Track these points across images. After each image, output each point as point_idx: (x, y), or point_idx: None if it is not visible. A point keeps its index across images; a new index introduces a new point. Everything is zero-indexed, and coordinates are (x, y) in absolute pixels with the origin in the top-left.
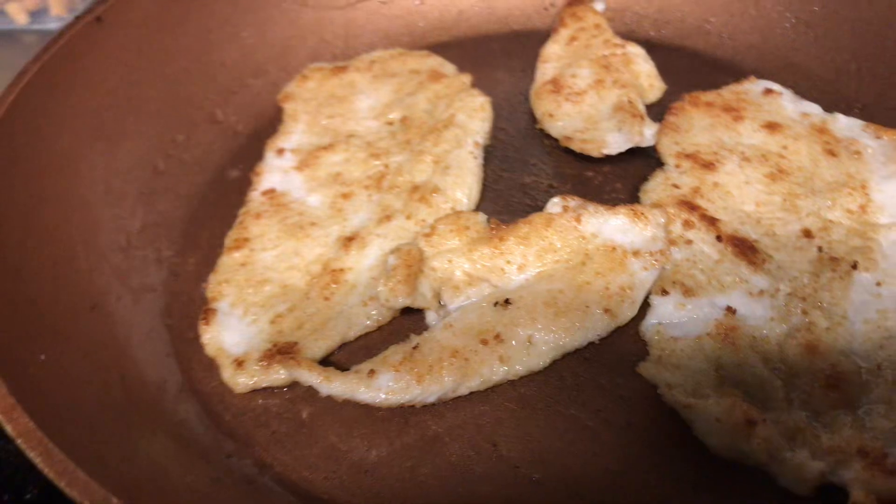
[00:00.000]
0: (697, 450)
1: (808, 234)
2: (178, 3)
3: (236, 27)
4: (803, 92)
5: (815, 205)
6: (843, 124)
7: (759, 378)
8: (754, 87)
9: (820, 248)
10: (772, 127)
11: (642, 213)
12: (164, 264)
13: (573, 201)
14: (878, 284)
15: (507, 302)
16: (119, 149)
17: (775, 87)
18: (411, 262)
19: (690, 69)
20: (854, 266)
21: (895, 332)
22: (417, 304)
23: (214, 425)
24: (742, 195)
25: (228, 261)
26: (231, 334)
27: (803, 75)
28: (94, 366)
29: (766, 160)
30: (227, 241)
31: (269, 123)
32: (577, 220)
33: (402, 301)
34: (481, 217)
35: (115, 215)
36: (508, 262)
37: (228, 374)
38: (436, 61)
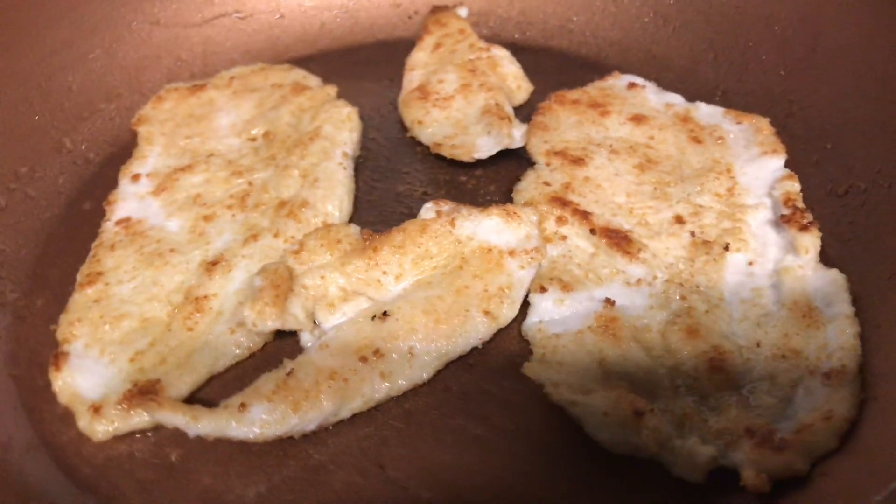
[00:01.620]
0: (590, 448)
1: (679, 220)
2: (14, 25)
3: (83, 49)
4: (666, 83)
5: (684, 191)
6: (705, 112)
7: (643, 368)
8: (618, 81)
9: (692, 233)
10: (637, 119)
11: (514, 213)
12: (7, 308)
13: (446, 206)
14: (751, 264)
15: (384, 314)
16: None
17: (638, 80)
18: (279, 282)
19: (557, 69)
20: (726, 248)
21: (770, 308)
22: (289, 325)
23: (71, 482)
24: (613, 187)
25: (80, 298)
26: (86, 378)
27: (665, 67)
28: None
29: (634, 151)
30: (79, 277)
31: (125, 150)
32: (452, 224)
33: (271, 325)
34: (353, 229)
35: None
36: (385, 272)
37: (85, 422)
38: (298, 74)
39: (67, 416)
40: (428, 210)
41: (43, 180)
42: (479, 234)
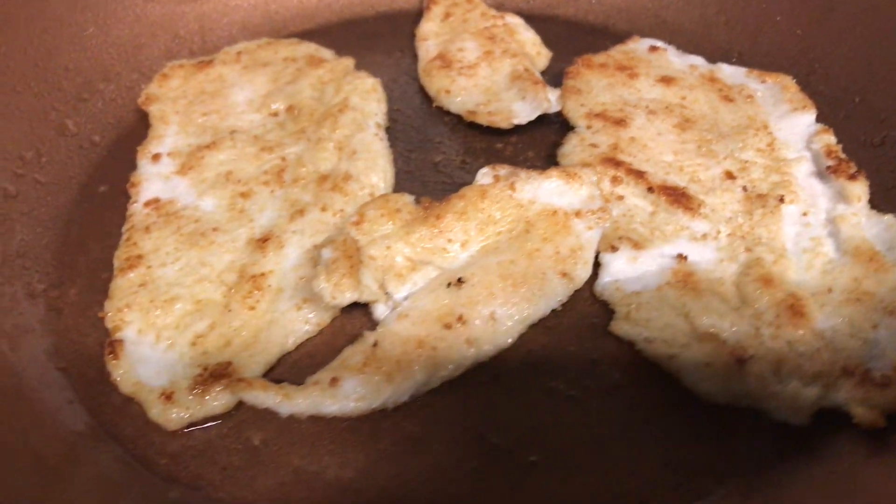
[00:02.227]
0: (687, 399)
1: (730, 175)
2: (5, 1)
3: (77, 26)
4: (679, 48)
5: (727, 148)
6: (729, 72)
7: (727, 319)
8: (639, 45)
9: (745, 188)
10: (667, 80)
11: (574, 174)
12: (38, 300)
13: (503, 170)
14: (805, 214)
15: (460, 281)
16: None
17: (659, 43)
18: (351, 253)
19: (567, 36)
20: (781, 200)
21: (832, 256)
22: (365, 297)
23: (150, 473)
24: (659, 146)
25: (124, 283)
26: (146, 366)
27: (676, 32)
28: None
29: (670, 112)
30: (117, 262)
31: (131, 131)
32: (512, 188)
33: (349, 296)
34: (409, 198)
35: None
36: (450, 240)
37: (157, 411)
38: (310, 47)
39: (129, 407)
40: (485, 175)
41: (51, 165)
42: (541, 197)
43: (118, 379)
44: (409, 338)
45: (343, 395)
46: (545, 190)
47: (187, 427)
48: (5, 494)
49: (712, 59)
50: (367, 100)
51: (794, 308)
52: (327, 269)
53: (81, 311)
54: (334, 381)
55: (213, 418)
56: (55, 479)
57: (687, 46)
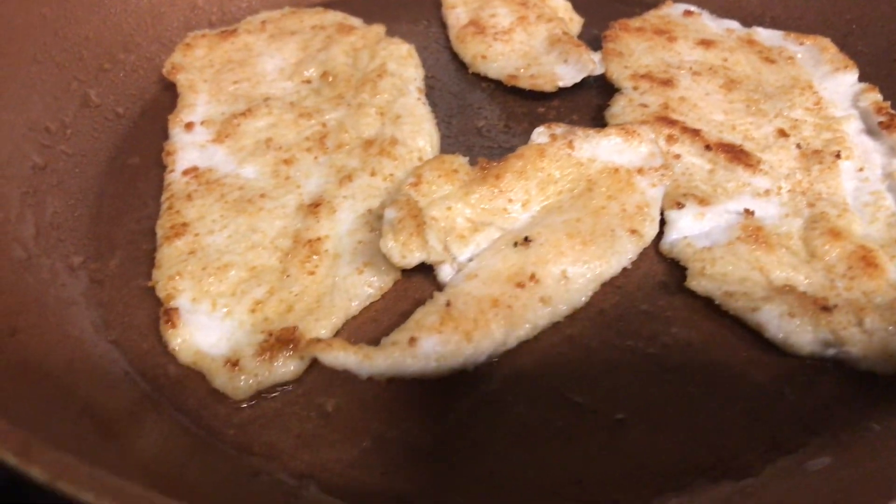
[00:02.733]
0: (766, 353)
1: (782, 133)
2: None
3: None
4: (713, 12)
5: (776, 107)
6: (766, 35)
7: (801, 272)
8: (673, 10)
9: (798, 145)
10: (706, 43)
11: (633, 131)
12: (78, 273)
13: (559, 128)
14: (860, 170)
15: (526, 240)
16: None
17: (693, 8)
18: (415, 213)
19: (597, 3)
20: (837, 155)
21: (895, 209)
22: (432, 257)
23: (221, 443)
24: (708, 106)
25: (171, 251)
26: (205, 333)
27: None
28: (23, 390)
29: (714, 73)
30: (161, 231)
31: (155, 102)
32: (570, 146)
33: (418, 256)
34: (463, 159)
35: (0, 221)
36: (510, 200)
37: (223, 380)
38: (338, 16)
39: (186, 379)
40: (541, 134)
41: (77, 137)
42: (601, 155)
43: (176, 348)
44: (482, 297)
45: (423, 354)
46: (604, 148)
47: (254, 395)
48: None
49: (745, 24)
50: (404, 65)
51: (866, 259)
52: (394, 229)
53: (125, 282)
54: (412, 341)
55: (281, 385)
56: (119, 447)
57: (719, 12)
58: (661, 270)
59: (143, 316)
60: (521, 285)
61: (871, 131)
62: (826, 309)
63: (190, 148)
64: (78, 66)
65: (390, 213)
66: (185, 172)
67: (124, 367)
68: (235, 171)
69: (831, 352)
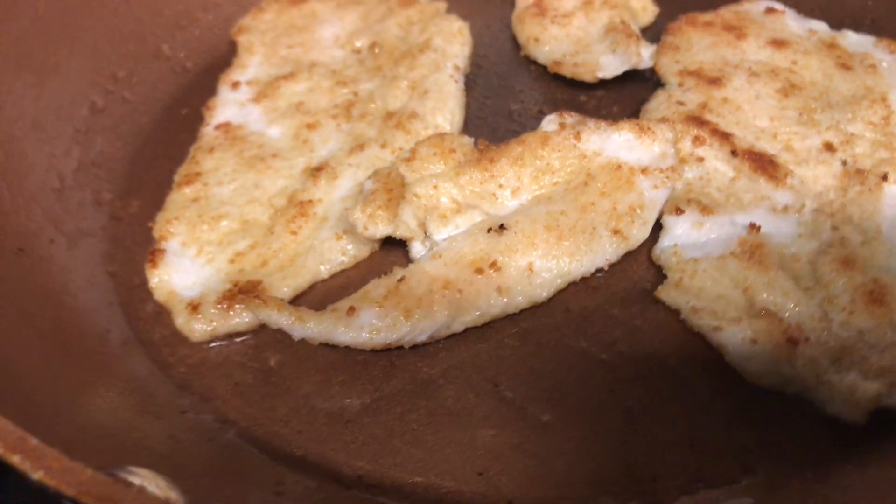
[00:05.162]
0: (729, 379)
1: (830, 147)
2: None
3: None
4: (806, 11)
5: (833, 118)
6: (854, 40)
7: (792, 298)
8: (754, 6)
9: (844, 162)
10: (778, 43)
11: (649, 128)
12: (103, 207)
13: (570, 118)
14: None
15: (501, 227)
16: (49, 82)
17: (777, 5)
18: (392, 187)
19: None
20: (884, 178)
21: None
22: (399, 233)
23: (166, 378)
24: (754, 110)
25: (178, 197)
26: (183, 276)
27: None
28: (19, 312)
29: (775, 75)
30: (177, 178)
31: (222, 60)
32: (577, 137)
33: (381, 230)
34: (467, 139)
35: (46, 154)
36: (501, 185)
37: (182, 320)
38: None
39: (162, 316)
40: (550, 122)
41: (141, 85)
42: (608, 150)
43: (153, 286)
44: (436, 277)
45: (358, 325)
46: (614, 142)
47: (210, 340)
48: (31, 378)
49: (840, 24)
50: (450, 42)
51: (873, 294)
52: (365, 199)
53: (140, 221)
54: (352, 311)
55: (236, 335)
56: (81, 371)
57: (814, 9)
58: (648, 277)
59: (144, 253)
60: (479, 271)
61: None
62: (792, 342)
63: (230, 105)
64: (156, 22)
65: (368, 184)
66: (218, 127)
67: (111, 297)
68: (263, 129)
69: (792, 389)
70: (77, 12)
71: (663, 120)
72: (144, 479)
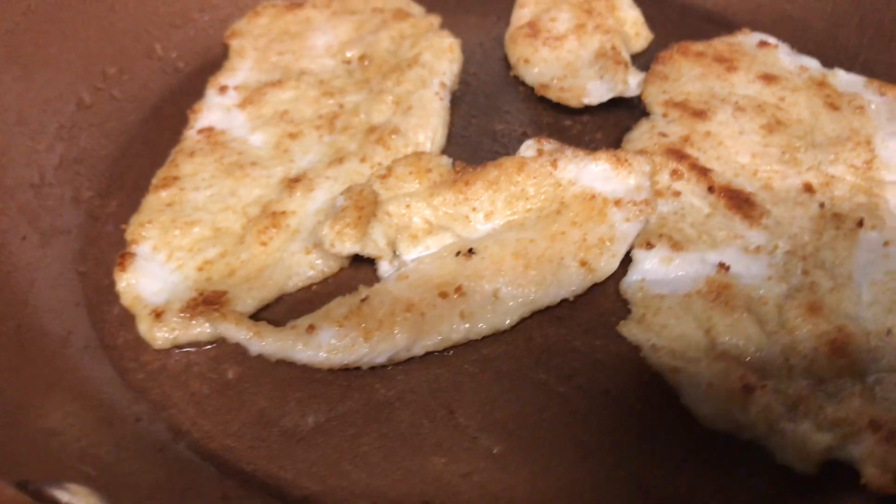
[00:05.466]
0: (685, 420)
1: (809, 188)
2: None
3: None
4: (800, 46)
5: (816, 159)
6: (844, 80)
7: (755, 342)
8: (748, 39)
9: (822, 205)
10: (768, 78)
11: (626, 160)
12: (82, 205)
13: (549, 144)
14: (886, 244)
15: (470, 252)
16: (37, 76)
17: (771, 39)
18: (363, 204)
19: (679, 20)
20: (860, 224)
21: None
22: (367, 251)
23: (124, 384)
24: (736, 146)
25: (154, 200)
26: (151, 281)
27: (800, 28)
28: None
29: (762, 111)
30: (155, 180)
31: (216, 62)
32: (554, 164)
33: (349, 247)
34: (445, 160)
35: (28, 148)
36: (474, 209)
37: (145, 327)
38: (401, 1)
39: (127, 320)
40: (528, 147)
41: (130, 83)
42: (583, 179)
43: (120, 290)
44: (399, 298)
45: (316, 343)
46: (590, 172)
47: (172, 347)
48: None
49: (831, 62)
50: (439, 58)
51: (835, 344)
52: (335, 216)
53: (118, 221)
54: (311, 329)
55: (197, 344)
56: (37, 372)
57: (807, 46)
58: (615, 311)
59: (116, 255)
60: (444, 295)
61: None
62: (748, 388)
63: (216, 109)
64: (151, 20)
65: (339, 200)
66: (201, 131)
67: (78, 297)
68: (245, 136)
69: (745, 435)
70: (70, 7)
71: (643, 151)
72: (75, 497)
